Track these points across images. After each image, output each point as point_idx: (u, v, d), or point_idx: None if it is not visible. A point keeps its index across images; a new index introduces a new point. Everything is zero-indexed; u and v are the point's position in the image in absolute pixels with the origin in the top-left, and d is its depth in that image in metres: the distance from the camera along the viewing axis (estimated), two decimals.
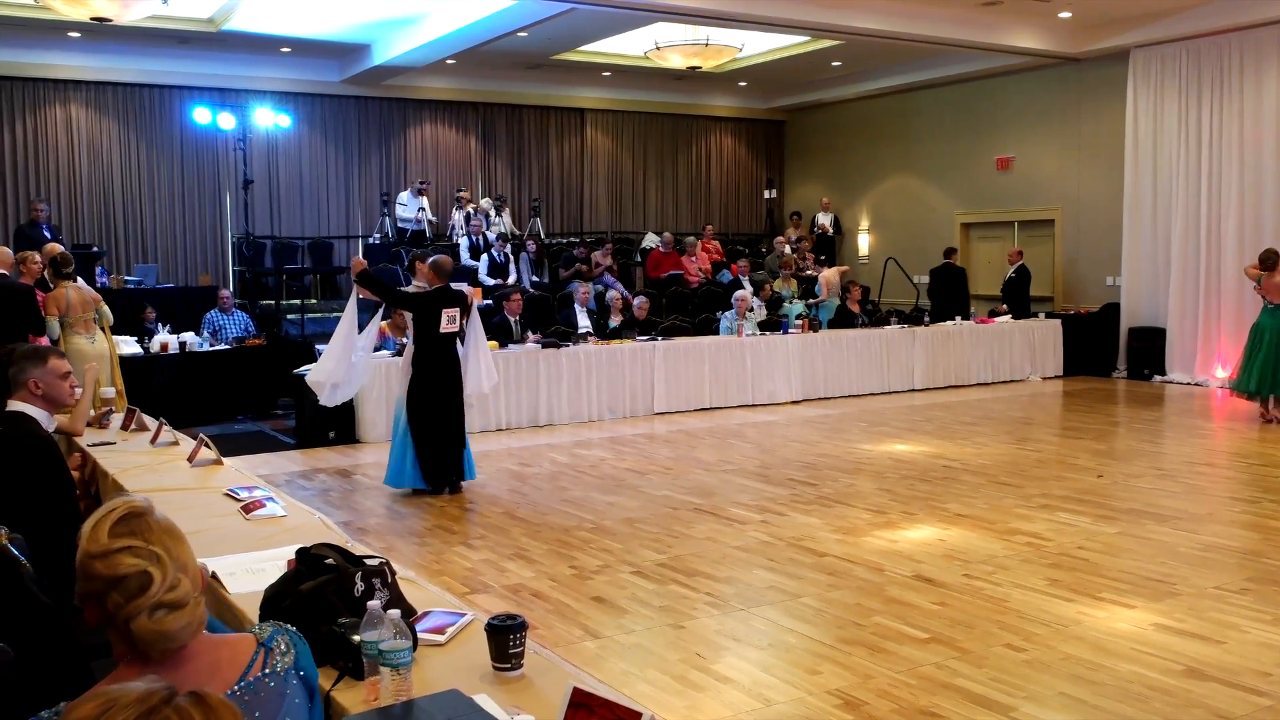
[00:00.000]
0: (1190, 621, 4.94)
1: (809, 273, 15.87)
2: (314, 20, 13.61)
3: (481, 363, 8.07)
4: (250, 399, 11.77)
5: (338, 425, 10.12)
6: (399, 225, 15.44)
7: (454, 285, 8.06)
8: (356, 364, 7.96)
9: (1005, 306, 14.81)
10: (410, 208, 15.47)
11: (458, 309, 7.80)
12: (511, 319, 11.64)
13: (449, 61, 15.40)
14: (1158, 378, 14.18)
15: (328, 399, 8.00)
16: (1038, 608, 5.16)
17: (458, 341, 7.90)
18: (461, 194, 15.98)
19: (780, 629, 4.94)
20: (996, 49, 14.36)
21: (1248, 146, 13.24)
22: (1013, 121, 16.29)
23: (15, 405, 4.20)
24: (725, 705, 4.08)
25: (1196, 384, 13.71)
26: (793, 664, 4.51)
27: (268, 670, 1.78)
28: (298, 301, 14.35)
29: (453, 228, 15.65)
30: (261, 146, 15.52)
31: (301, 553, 2.81)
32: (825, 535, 6.58)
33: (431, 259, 7.92)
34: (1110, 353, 14.74)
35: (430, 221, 15.57)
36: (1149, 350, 14.28)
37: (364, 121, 16.70)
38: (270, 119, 15.01)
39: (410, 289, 8.26)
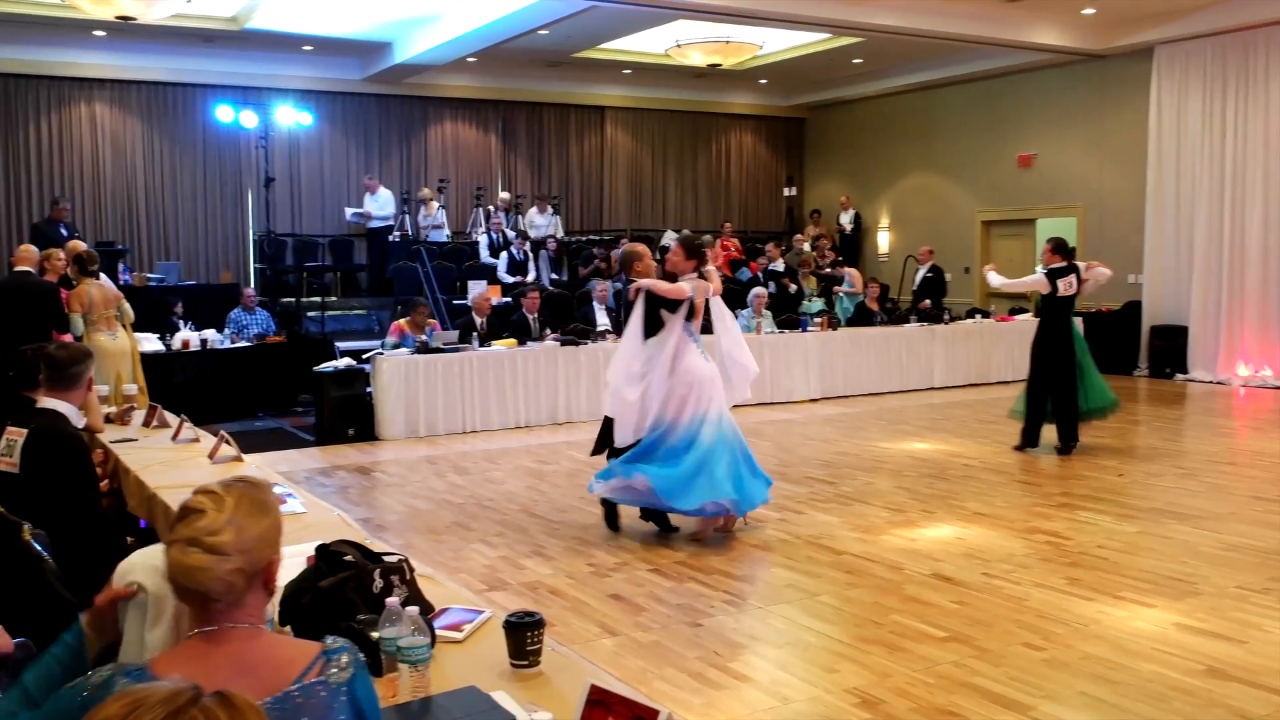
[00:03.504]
0: (1212, 621, 4.91)
1: (828, 271, 15.82)
2: (336, 19, 13.67)
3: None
4: (271, 396, 11.84)
5: (357, 422, 10.18)
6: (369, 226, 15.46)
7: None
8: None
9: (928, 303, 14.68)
10: (366, 207, 15.38)
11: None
12: (530, 316, 11.67)
13: (470, 59, 15.44)
14: (1179, 376, 14.09)
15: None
16: (1057, 607, 5.14)
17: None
18: (423, 191, 15.92)
19: (798, 627, 4.94)
20: (1019, 46, 14.29)
21: (1272, 144, 13.13)
22: (1035, 119, 16.20)
23: (48, 402, 4.21)
24: (743, 703, 4.08)
25: (1219, 382, 13.61)
26: (811, 662, 4.51)
27: (321, 679, 1.83)
28: (318, 299, 14.42)
29: (419, 227, 15.68)
30: (283, 144, 15.59)
31: (321, 549, 2.83)
32: (844, 534, 6.57)
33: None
34: (1132, 351, 14.65)
35: (366, 215, 15.34)
36: (1171, 348, 14.19)
37: (385, 119, 16.76)
38: (292, 117, 15.07)
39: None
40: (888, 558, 6.03)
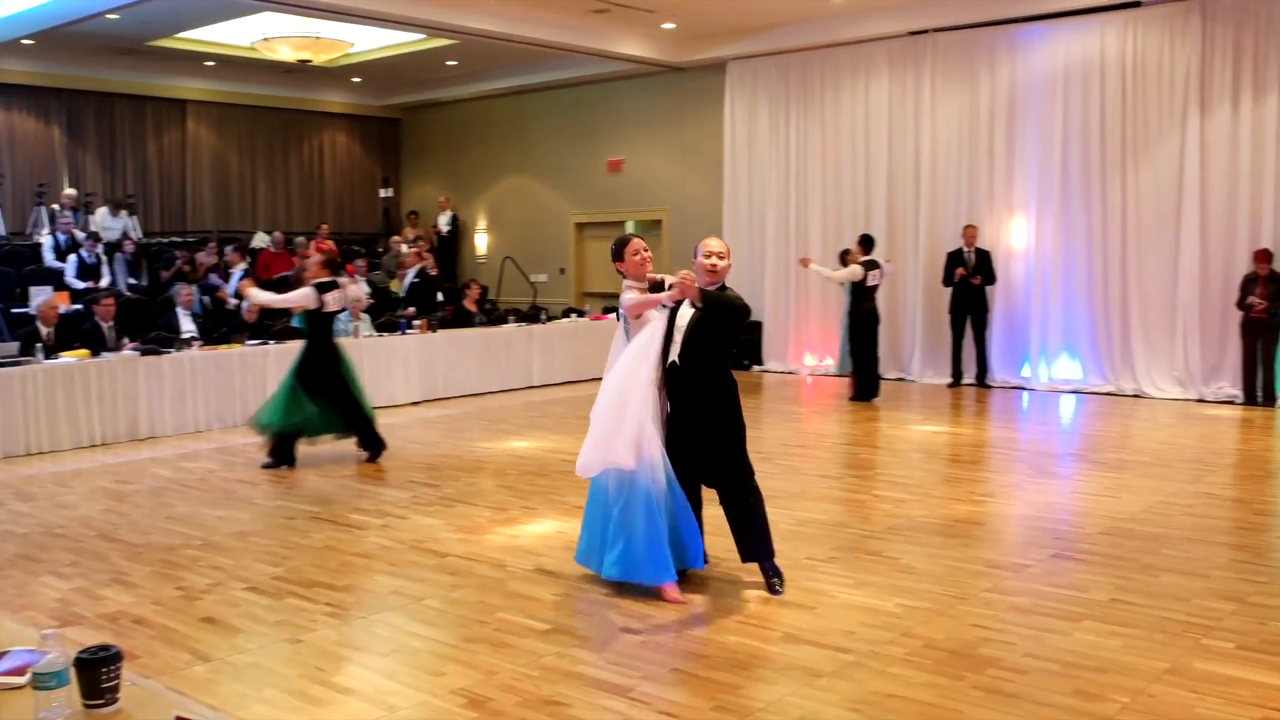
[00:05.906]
0: (787, 592, 5.34)
1: (433, 273, 15.69)
2: None
3: None
4: None
5: None
6: None
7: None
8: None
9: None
10: None
11: None
12: (104, 325, 10.76)
13: (25, 42, 13.99)
14: (756, 367, 15.28)
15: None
16: (652, 590, 5.38)
17: None
18: None
19: (403, 634, 4.87)
20: (605, 55, 14.89)
21: (829, 155, 14.52)
22: (622, 126, 16.95)
23: None
24: (348, 717, 3.97)
25: (789, 372, 14.90)
26: (416, 667, 4.46)
27: None
28: None
29: None
30: None
31: None
32: (447, 535, 6.56)
33: None
34: None
35: None
36: (748, 342, 15.32)
37: None
38: None
39: None
40: (491, 556, 6.09)
